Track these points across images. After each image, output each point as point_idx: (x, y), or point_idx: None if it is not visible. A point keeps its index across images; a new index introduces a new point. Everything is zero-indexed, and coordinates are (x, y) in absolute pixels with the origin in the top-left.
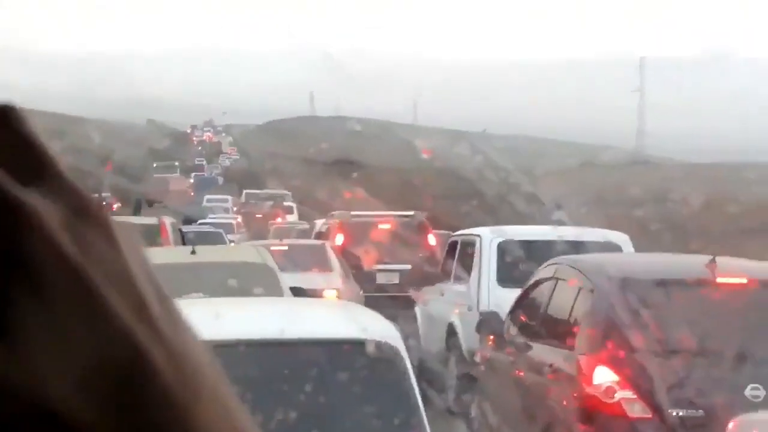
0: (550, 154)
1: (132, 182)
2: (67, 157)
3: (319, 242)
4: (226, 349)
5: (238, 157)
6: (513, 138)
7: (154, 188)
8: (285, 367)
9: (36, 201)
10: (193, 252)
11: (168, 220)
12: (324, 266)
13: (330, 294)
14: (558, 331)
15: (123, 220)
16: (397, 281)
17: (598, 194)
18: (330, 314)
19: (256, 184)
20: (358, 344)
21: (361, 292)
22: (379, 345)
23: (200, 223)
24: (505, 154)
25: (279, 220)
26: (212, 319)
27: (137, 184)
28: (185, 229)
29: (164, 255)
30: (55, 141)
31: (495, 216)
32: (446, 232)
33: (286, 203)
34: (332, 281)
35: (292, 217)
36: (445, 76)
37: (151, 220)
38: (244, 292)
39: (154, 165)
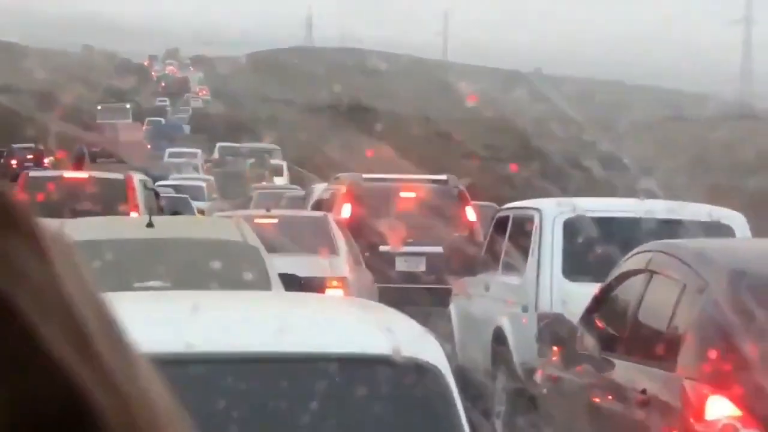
0: (630, 103)
1: (80, 128)
2: None
3: (319, 214)
4: (192, 366)
5: (209, 99)
6: (580, 82)
7: (99, 137)
8: (275, 395)
9: None
10: (149, 224)
11: (137, 176)
12: (326, 246)
13: (334, 285)
14: (653, 345)
15: (72, 174)
16: (423, 268)
17: (696, 157)
18: (341, 317)
19: (235, 136)
20: (382, 362)
21: (375, 282)
22: (413, 363)
23: (159, 185)
24: (573, 103)
25: (264, 183)
26: (174, 322)
27: (85, 131)
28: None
29: (112, 227)
30: None
31: (561, 184)
32: (490, 204)
33: (273, 161)
34: (337, 267)
35: (281, 180)
36: None
37: (114, 175)
38: (217, 280)
39: (99, 107)
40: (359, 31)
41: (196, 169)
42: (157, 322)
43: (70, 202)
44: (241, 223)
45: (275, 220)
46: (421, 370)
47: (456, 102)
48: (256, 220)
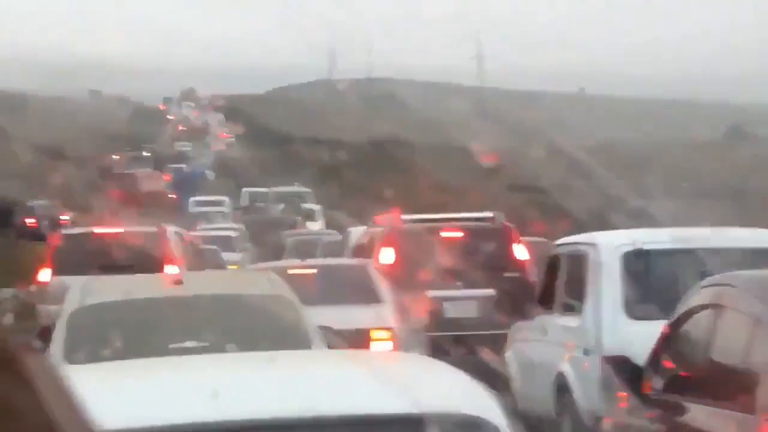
0: (681, 119)
1: (98, 180)
2: None
3: (359, 261)
4: None
5: (232, 140)
6: (623, 101)
7: (119, 188)
8: None
9: None
10: (178, 282)
11: (171, 228)
12: (369, 296)
13: (381, 336)
14: (728, 385)
15: (106, 230)
16: (474, 314)
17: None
18: (388, 375)
19: (263, 179)
20: (436, 421)
21: (425, 332)
22: (468, 420)
23: None
24: (618, 123)
25: (297, 229)
26: (209, 388)
27: (103, 181)
28: None
29: (140, 286)
30: None
31: (619, 217)
32: (542, 239)
33: (306, 205)
34: (382, 317)
35: (316, 225)
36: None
37: (147, 229)
38: (254, 337)
39: (115, 157)
40: (387, 59)
41: (225, 217)
42: (187, 387)
43: (105, 258)
44: (273, 276)
45: (313, 270)
46: (476, 427)
47: (492, 130)
48: (291, 271)
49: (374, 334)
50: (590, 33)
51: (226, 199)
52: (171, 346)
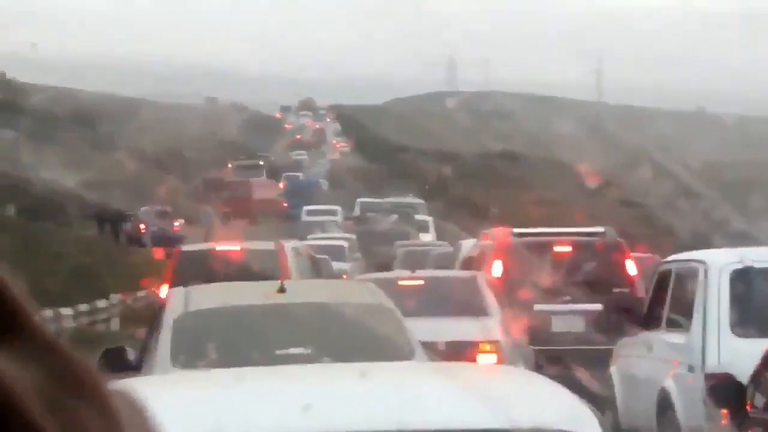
0: None
1: (210, 187)
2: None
3: (468, 273)
4: None
5: (348, 150)
6: (745, 120)
7: (231, 196)
8: None
9: (2, 365)
10: (281, 290)
11: (289, 244)
12: (477, 308)
13: (487, 349)
14: None
15: (224, 247)
16: (581, 328)
17: None
18: (484, 388)
19: (376, 190)
20: None
21: (530, 345)
22: None
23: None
24: (736, 142)
25: (409, 240)
26: (298, 401)
27: (217, 190)
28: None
29: (240, 293)
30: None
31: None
32: (652, 255)
33: (418, 216)
34: (489, 330)
35: (428, 237)
36: (637, 31)
37: (265, 245)
38: (358, 346)
39: (230, 165)
40: (504, 74)
41: (337, 227)
42: (276, 400)
43: (224, 275)
44: (371, 286)
45: (421, 282)
46: None
47: (611, 146)
48: (401, 282)
49: (480, 346)
50: (712, 52)
51: (338, 208)
52: (278, 352)
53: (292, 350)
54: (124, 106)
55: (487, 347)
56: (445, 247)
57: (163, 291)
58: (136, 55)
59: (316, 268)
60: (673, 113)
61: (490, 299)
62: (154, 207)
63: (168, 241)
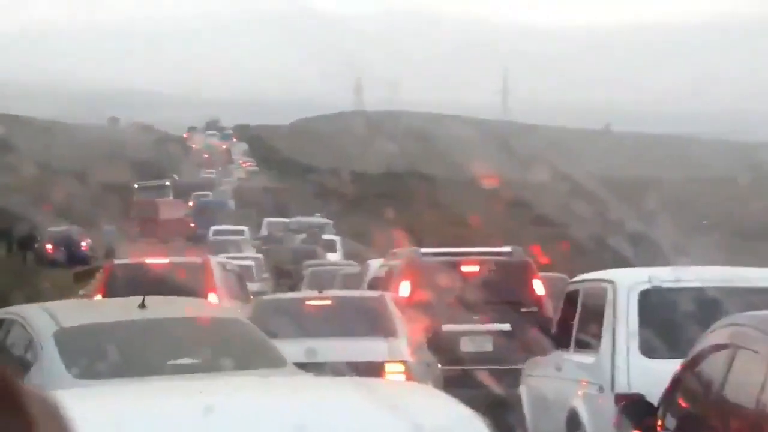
0: (695, 156)
1: (117, 207)
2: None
3: (376, 293)
4: None
5: (256, 170)
6: (651, 138)
7: (137, 215)
8: None
9: None
10: (142, 305)
11: (214, 259)
12: (385, 328)
13: (394, 369)
14: (741, 427)
15: (154, 260)
16: (490, 348)
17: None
18: (381, 403)
19: (283, 210)
20: None
21: (439, 365)
22: None
23: None
24: (637, 159)
25: (316, 260)
26: (198, 413)
27: (123, 210)
28: None
29: (105, 309)
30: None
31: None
32: (561, 275)
33: (326, 236)
34: (397, 350)
35: (335, 256)
36: (540, 49)
37: (193, 260)
38: (235, 358)
39: (136, 185)
40: (410, 93)
41: (245, 247)
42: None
43: (153, 287)
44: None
45: (328, 302)
46: None
47: (521, 164)
48: (309, 302)
49: (388, 367)
50: (617, 71)
51: (245, 228)
52: (170, 363)
53: (181, 361)
54: (30, 127)
55: (396, 368)
56: (353, 267)
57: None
58: (44, 76)
59: (241, 283)
60: (579, 131)
61: (398, 319)
62: (63, 226)
63: (79, 260)
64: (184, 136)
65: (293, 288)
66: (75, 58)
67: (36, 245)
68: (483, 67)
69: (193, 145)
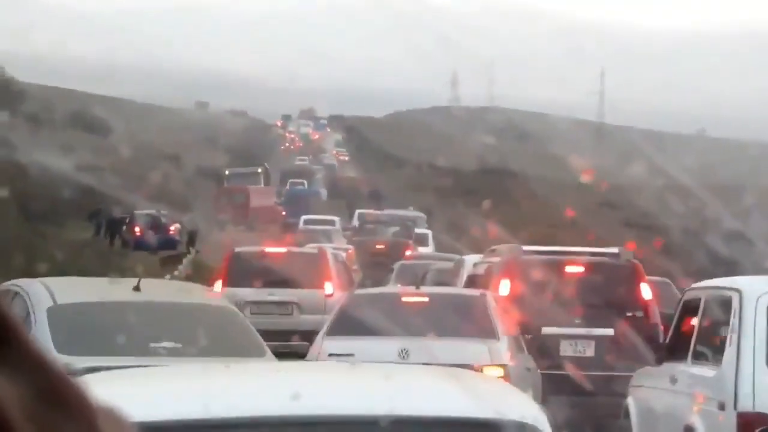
0: None
1: (208, 193)
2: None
3: (476, 292)
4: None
5: (347, 161)
6: (746, 143)
7: (227, 202)
8: None
9: None
10: (136, 288)
11: (330, 250)
12: (485, 330)
13: (494, 374)
14: None
15: (273, 249)
16: (591, 353)
17: None
18: (427, 383)
19: (375, 202)
20: (479, 426)
21: (538, 369)
22: (516, 427)
23: None
24: (733, 166)
25: (408, 253)
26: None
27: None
28: None
29: (101, 289)
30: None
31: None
32: (664, 280)
33: (418, 230)
34: (497, 354)
35: (427, 250)
36: (638, 51)
37: (309, 250)
38: (216, 344)
39: (227, 172)
40: (507, 90)
41: (329, 237)
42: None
43: (271, 274)
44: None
45: (425, 299)
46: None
47: (615, 165)
48: (404, 298)
49: (487, 371)
50: (714, 75)
51: (337, 218)
52: (152, 345)
53: (163, 344)
54: (125, 109)
55: (495, 372)
56: (446, 263)
57: (217, 286)
58: (141, 59)
59: (348, 273)
60: (674, 135)
61: (500, 320)
62: (151, 210)
63: (166, 244)
64: (278, 124)
65: (381, 282)
66: (169, 40)
67: (124, 228)
68: (581, 66)
69: (287, 134)
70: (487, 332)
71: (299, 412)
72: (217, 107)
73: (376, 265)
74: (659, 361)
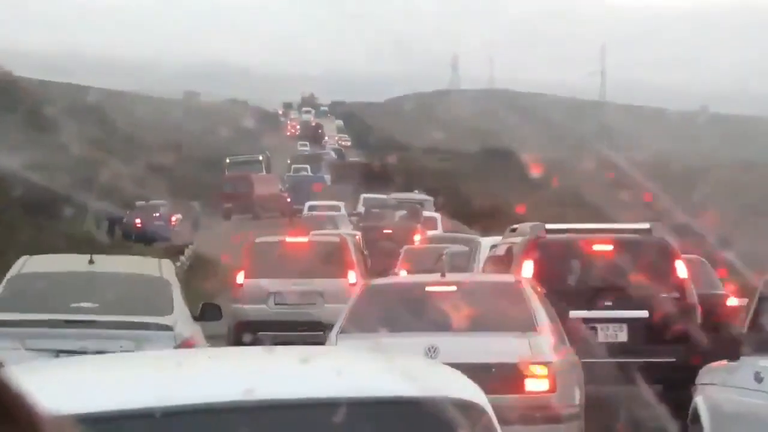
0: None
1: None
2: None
3: (512, 278)
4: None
5: (349, 146)
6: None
7: (231, 190)
8: None
9: None
10: (91, 261)
11: (350, 238)
12: (524, 321)
13: (538, 372)
14: None
15: (294, 239)
16: (624, 338)
17: None
18: (361, 362)
19: (378, 186)
20: (414, 405)
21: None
22: (457, 404)
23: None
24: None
25: (417, 238)
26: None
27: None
28: None
29: (61, 262)
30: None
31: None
32: (696, 257)
33: (426, 213)
34: (539, 349)
35: (436, 234)
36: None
37: (331, 238)
38: (132, 304)
39: (227, 160)
40: (508, 72)
41: (336, 223)
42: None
43: (294, 264)
44: (166, 263)
45: (453, 288)
46: (463, 408)
47: (619, 145)
48: (429, 288)
49: (528, 369)
50: (716, 52)
51: (342, 204)
52: (72, 305)
53: (83, 304)
54: (118, 99)
55: (539, 371)
56: (460, 246)
57: (240, 278)
58: (143, 50)
59: (365, 260)
60: (676, 112)
61: (540, 309)
62: (150, 201)
63: (166, 235)
64: (279, 112)
65: (388, 269)
66: (171, 33)
67: (124, 219)
68: (581, 45)
69: (288, 122)
70: (526, 324)
71: (235, 398)
72: (217, 96)
73: (384, 251)
74: (735, 356)
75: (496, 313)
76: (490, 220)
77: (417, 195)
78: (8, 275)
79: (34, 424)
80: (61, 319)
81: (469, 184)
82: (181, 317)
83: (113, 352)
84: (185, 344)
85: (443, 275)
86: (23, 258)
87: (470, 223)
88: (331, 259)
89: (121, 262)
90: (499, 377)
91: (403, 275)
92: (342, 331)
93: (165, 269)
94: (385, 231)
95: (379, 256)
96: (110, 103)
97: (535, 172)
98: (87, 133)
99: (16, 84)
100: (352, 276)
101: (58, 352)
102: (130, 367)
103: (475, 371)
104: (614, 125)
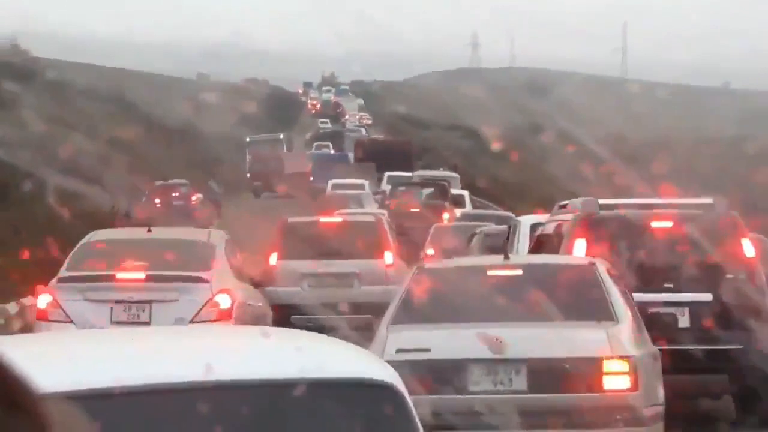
0: None
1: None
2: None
3: (585, 260)
4: (128, 399)
5: (370, 124)
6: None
7: (258, 169)
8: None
9: None
10: (149, 230)
11: (385, 218)
12: (599, 310)
13: (617, 369)
14: None
15: (327, 219)
16: (686, 324)
17: None
18: (284, 345)
19: (404, 163)
20: (340, 386)
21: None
22: (374, 385)
23: None
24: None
25: (446, 216)
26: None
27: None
28: None
29: (122, 233)
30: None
31: None
32: (757, 235)
33: (454, 191)
34: (618, 342)
35: (464, 211)
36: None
37: (366, 218)
38: (173, 262)
39: (247, 139)
40: (529, 50)
41: (360, 203)
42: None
43: (327, 245)
44: (217, 233)
45: (518, 272)
46: (379, 390)
47: (641, 121)
48: (490, 272)
49: (608, 365)
50: (737, 28)
51: (366, 182)
52: (127, 263)
53: (137, 262)
54: (137, 80)
55: (619, 366)
56: (491, 225)
57: (273, 259)
58: (163, 32)
59: (400, 242)
60: (698, 88)
61: (615, 295)
62: (174, 181)
63: (186, 215)
64: (299, 91)
65: (417, 250)
66: (188, 14)
67: (143, 199)
68: (603, 22)
69: (309, 102)
70: (603, 313)
71: (195, 378)
72: (238, 76)
73: (411, 230)
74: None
75: (569, 301)
76: (518, 198)
77: (443, 172)
78: (79, 243)
79: (37, 408)
80: (114, 275)
81: (497, 163)
82: (221, 274)
83: (158, 301)
84: (221, 292)
85: (506, 257)
86: (91, 232)
87: (498, 201)
88: (367, 240)
89: (175, 232)
90: (573, 374)
91: (447, 259)
92: (393, 321)
93: (213, 236)
94: (412, 210)
95: (406, 236)
96: (128, 83)
97: (570, 149)
98: (109, 114)
99: (37, 62)
100: (388, 257)
101: (114, 302)
102: (87, 345)
103: (546, 367)
104: (634, 102)
